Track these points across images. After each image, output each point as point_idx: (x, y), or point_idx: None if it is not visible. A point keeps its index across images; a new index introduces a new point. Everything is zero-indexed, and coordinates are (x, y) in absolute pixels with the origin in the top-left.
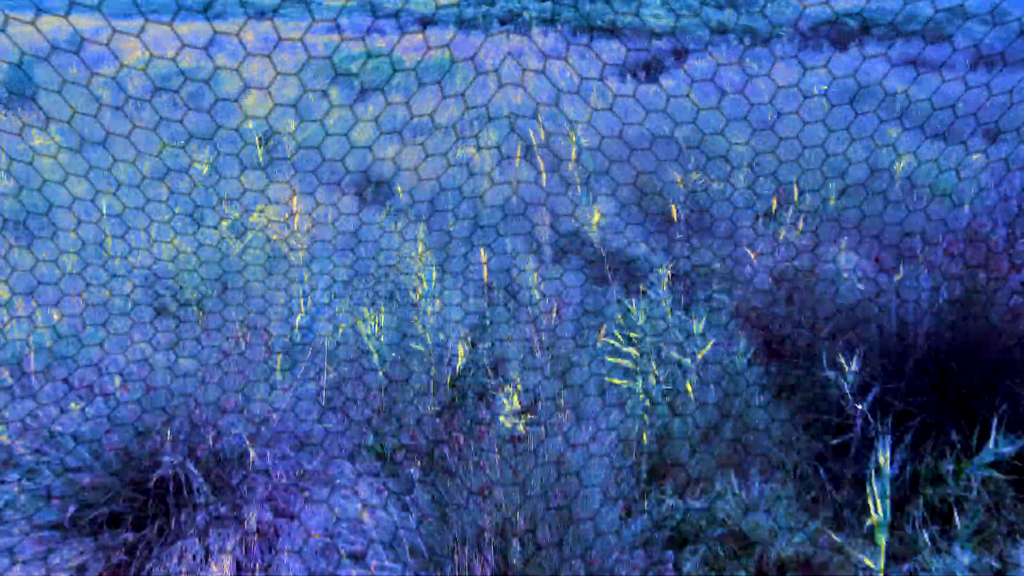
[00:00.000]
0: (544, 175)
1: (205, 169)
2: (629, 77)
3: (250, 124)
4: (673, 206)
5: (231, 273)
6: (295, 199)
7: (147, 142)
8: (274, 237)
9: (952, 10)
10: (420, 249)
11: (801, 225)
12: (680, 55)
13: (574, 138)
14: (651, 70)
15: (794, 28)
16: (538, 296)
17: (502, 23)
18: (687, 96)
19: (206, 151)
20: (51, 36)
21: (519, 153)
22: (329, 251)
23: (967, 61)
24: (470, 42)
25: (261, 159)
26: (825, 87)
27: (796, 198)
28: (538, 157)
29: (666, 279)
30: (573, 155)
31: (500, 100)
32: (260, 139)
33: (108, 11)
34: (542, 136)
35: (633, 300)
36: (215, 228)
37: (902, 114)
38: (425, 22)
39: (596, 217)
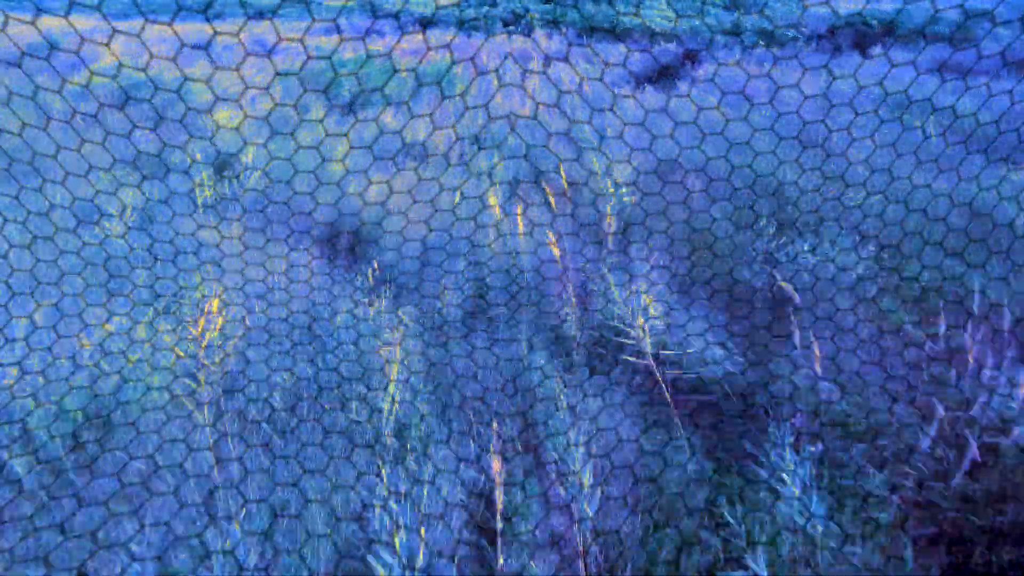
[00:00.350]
0: (556, 247)
1: (118, 228)
2: (647, 85)
3: (198, 156)
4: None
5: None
6: (216, 303)
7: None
8: (176, 358)
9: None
10: (393, 394)
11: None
12: (693, 59)
13: (606, 180)
14: (668, 76)
15: (796, 28)
16: (577, 467)
17: (505, 25)
18: (716, 109)
19: (129, 201)
20: None
21: (522, 205)
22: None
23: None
24: (471, 44)
25: (206, 197)
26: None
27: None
28: (551, 199)
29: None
30: (609, 217)
31: (500, 101)
32: (212, 174)
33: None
34: (563, 182)
35: (739, 487)
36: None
37: (968, 138)
38: (425, 23)
39: (646, 305)
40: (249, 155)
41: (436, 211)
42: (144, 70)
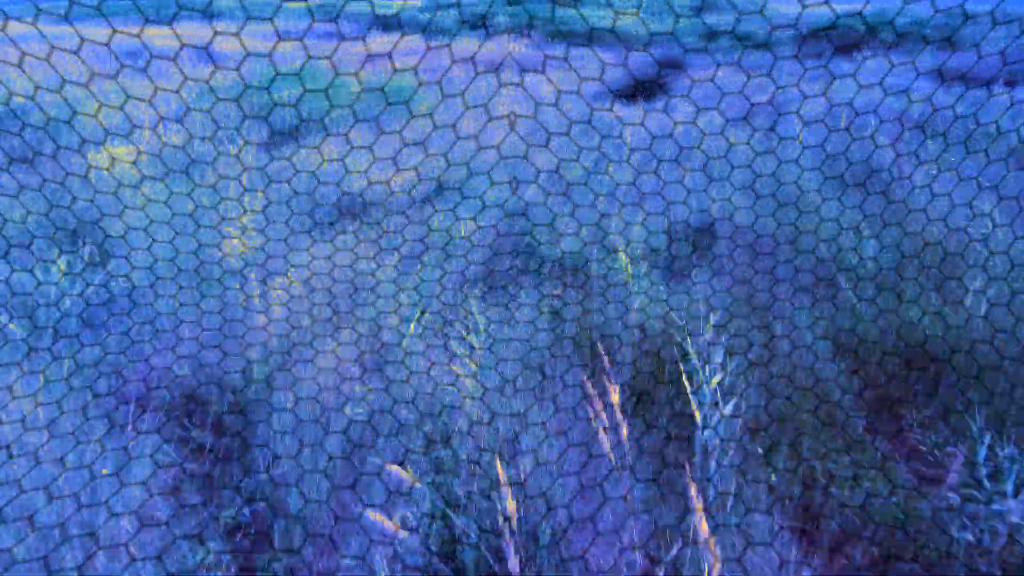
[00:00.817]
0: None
1: None
2: (626, 100)
3: None
4: None
5: None
6: None
7: None
8: None
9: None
10: None
11: None
12: (676, 66)
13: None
14: (654, 90)
15: (773, 29)
16: None
17: (471, 28)
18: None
19: None
20: None
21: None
22: None
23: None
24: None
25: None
26: None
27: None
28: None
29: None
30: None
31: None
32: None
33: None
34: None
35: None
36: None
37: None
38: (386, 25)
39: None
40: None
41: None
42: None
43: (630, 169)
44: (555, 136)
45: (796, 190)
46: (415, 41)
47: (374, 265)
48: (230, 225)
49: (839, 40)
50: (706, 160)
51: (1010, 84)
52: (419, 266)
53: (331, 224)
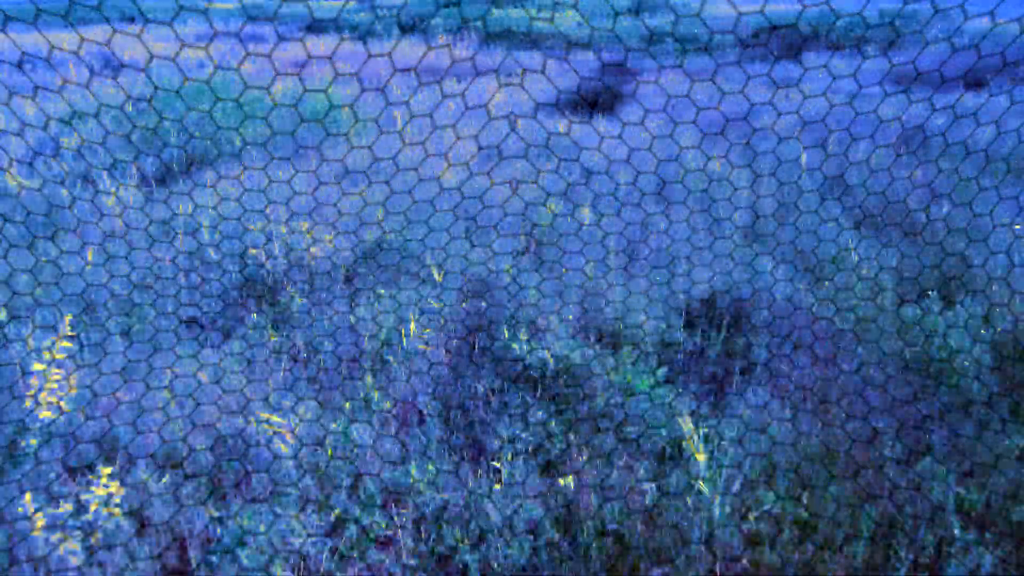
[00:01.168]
0: None
1: None
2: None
3: None
4: None
5: None
6: None
7: None
8: None
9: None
10: None
11: None
12: (624, 72)
13: None
14: (608, 100)
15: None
16: None
17: (403, 30)
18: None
19: None
20: None
21: None
22: None
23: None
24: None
25: None
26: None
27: None
28: None
29: None
30: None
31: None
32: None
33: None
34: None
35: None
36: None
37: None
38: (313, 28)
39: None
40: None
41: None
42: None
43: (610, 208)
44: (515, 159)
45: (806, 211)
46: (343, 45)
47: (267, 415)
48: (38, 358)
49: (784, 42)
50: (704, 177)
51: (976, 86)
52: (340, 418)
53: (195, 325)
